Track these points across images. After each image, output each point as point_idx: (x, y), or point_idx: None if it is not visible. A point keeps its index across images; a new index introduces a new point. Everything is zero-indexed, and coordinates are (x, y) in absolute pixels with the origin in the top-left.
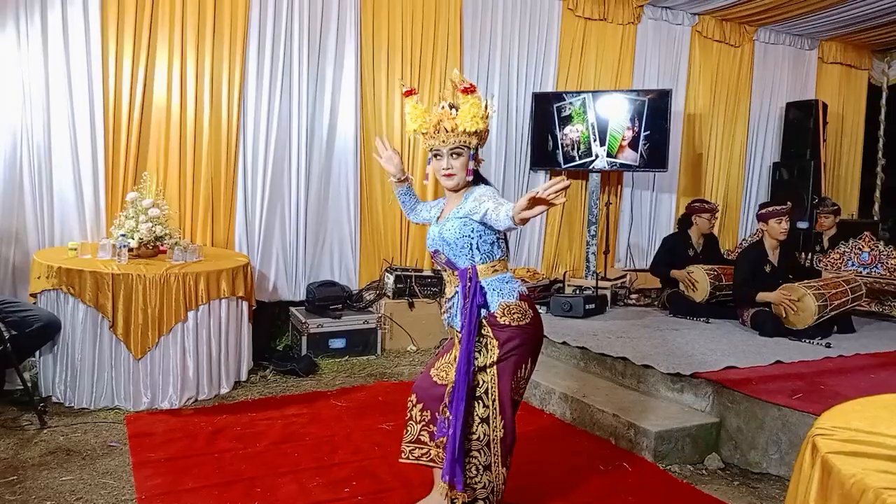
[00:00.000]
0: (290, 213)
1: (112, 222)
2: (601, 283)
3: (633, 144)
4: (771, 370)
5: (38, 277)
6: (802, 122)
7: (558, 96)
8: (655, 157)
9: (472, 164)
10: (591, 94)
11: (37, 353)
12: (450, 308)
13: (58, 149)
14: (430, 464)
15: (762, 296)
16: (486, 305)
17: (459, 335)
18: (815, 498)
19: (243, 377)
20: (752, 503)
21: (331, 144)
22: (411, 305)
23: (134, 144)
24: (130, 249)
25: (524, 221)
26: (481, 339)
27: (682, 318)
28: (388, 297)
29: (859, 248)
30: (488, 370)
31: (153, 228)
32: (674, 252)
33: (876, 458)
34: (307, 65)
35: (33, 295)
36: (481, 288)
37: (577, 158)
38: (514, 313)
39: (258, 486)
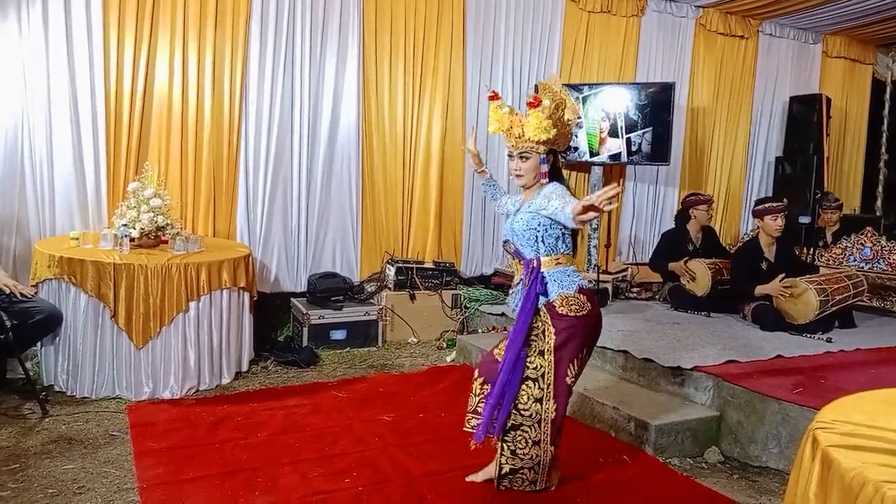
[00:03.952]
0: (291, 205)
1: (114, 212)
2: (602, 277)
3: (636, 139)
4: (771, 364)
5: (40, 266)
6: (806, 117)
7: None
8: (658, 151)
9: (544, 167)
10: (591, 87)
11: (38, 343)
12: (514, 295)
13: (59, 138)
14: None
15: (760, 289)
16: (546, 294)
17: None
18: (816, 491)
19: (244, 368)
20: (752, 497)
21: (333, 135)
22: (412, 297)
23: (136, 134)
24: (132, 239)
25: (583, 223)
26: (539, 326)
27: (684, 312)
28: (390, 288)
29: (861, 244)
30: (546, 356)
31: (155, 218)
32: (673, 248)
33: (876, 452)
34: (309, 54)
35: (35, 284)
36: (543, 278)
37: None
38: (571, 304)
39: (259, 476)
